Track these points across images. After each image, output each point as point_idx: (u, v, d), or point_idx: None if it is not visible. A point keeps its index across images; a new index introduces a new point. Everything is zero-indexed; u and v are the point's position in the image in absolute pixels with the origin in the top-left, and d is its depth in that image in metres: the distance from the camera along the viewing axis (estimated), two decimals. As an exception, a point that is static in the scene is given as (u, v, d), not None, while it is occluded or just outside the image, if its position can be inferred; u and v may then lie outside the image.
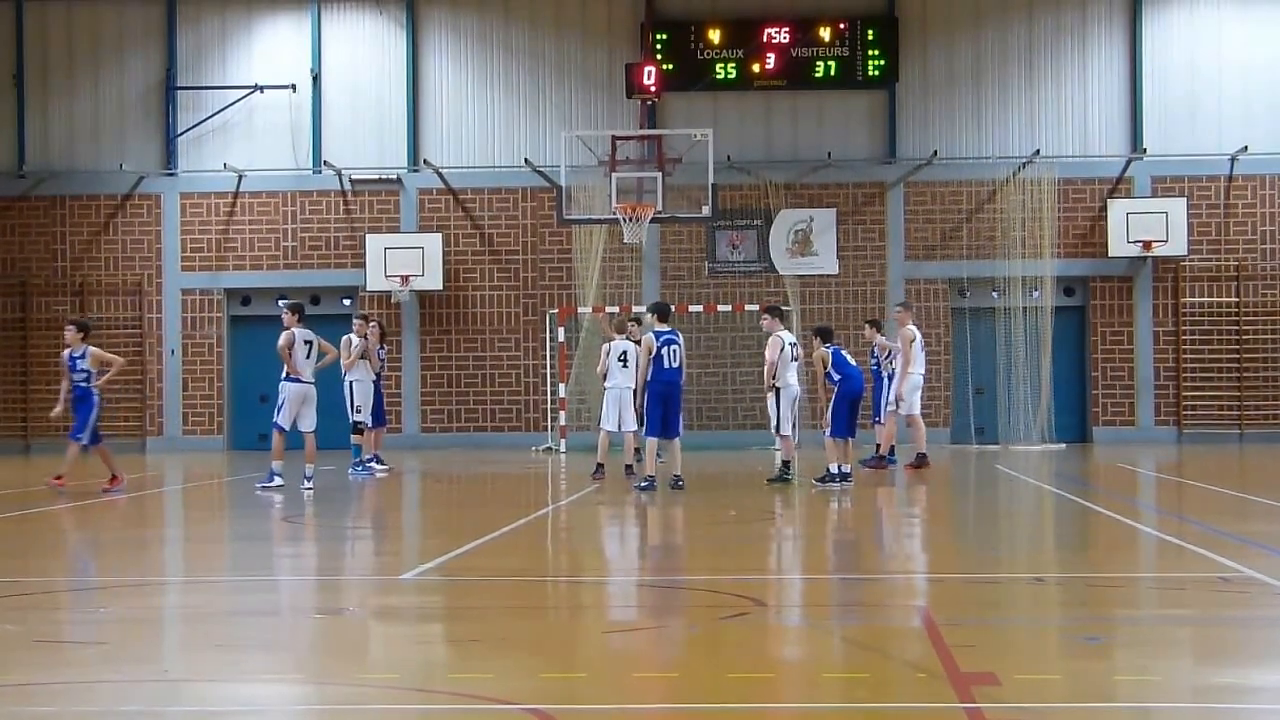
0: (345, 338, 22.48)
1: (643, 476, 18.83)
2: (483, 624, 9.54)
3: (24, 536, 15.38)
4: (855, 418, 19.31)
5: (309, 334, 19.66)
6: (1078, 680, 7.64)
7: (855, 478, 19.55)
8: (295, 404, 19.39)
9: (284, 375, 19.52)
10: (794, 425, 19.54)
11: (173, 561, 13.59)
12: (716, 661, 8.21)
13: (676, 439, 19.04)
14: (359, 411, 22.31)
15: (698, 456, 26.22)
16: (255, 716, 7.27)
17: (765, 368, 19.33)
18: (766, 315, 19.78)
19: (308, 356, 19.53)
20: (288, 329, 19.49)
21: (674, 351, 18.73)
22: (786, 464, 19.33)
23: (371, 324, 22.92)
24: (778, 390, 19.20)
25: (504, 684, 7.59)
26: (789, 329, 20.06)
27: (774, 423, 19.43)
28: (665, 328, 18.92)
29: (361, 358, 22.37)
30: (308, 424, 19.50)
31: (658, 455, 23.52)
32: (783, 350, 19.11)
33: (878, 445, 22.66)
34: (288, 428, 19.41)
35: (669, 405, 18.75)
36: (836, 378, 19.13)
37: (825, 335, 19.81)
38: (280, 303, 21.74)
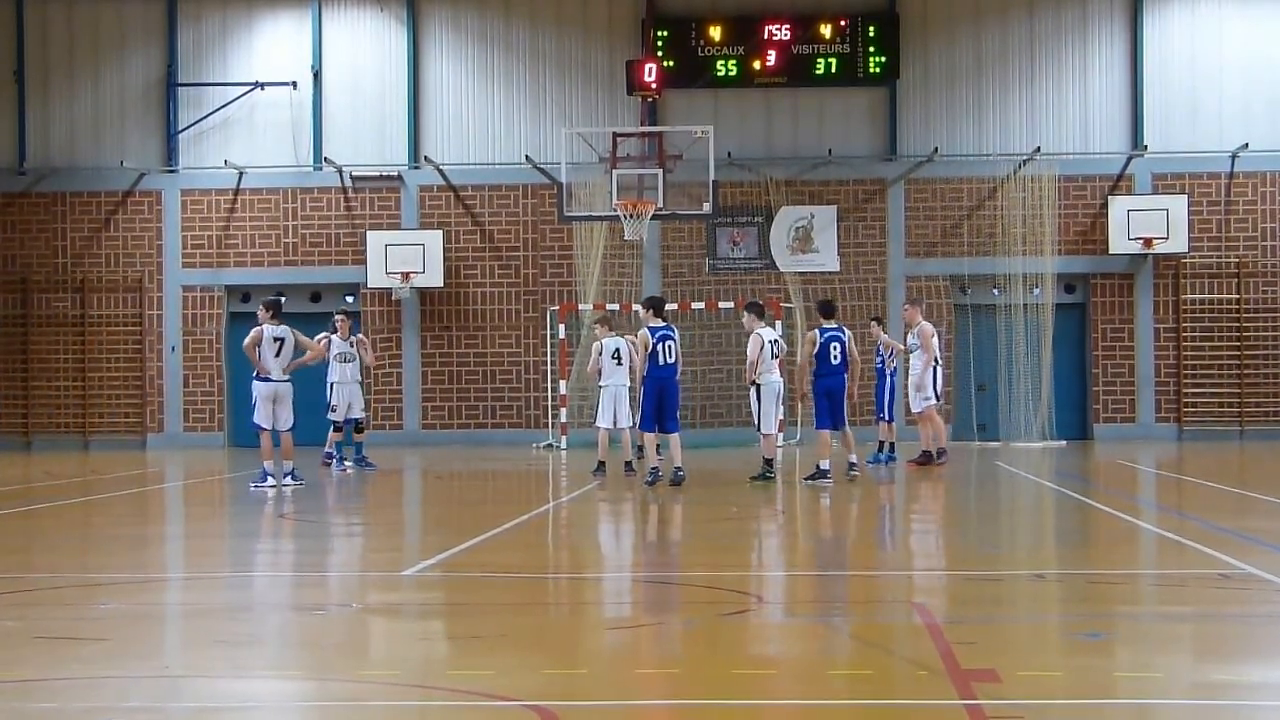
0: (324, 336, 22.56)
1: (646, 471, 18.85)
2: (483, 620, 9.54)
3: (25, 533, 15.39)
4: (838, 410, 19.22)
5: (280, 331, 19.34)
6: (1079, 677, 7.65)
7: (861, 474, 19.53)
8: (266, 402, 19.26)
9: (254, 374, 19.51)
10: (777, 421, 19.48)
11: (173, 558, 13.60)
12: (718, 657, 8.22)
13: (676, 434, 19.02)
14: (333, 411, 22.48)
15: (700, 454, 26.21)
16: (256, 713, 7.27)
17: (746, 366, 19.44)
18: (746, 313, 19.80)
19: (276, 355, 19.28)
20: (258, 326, 19.44)
21: (670, 347, 18.71)
22: (769, 462, 19.29)
23: (335, 320, 23.14)
24: (758, 387, 19.22)
25: (505, 680, 7.59)
26: (770, 325, 20.05)
27: (756, 420, 19.47)
28: (660, 323, 18.88)
29: (344, 361, 22.50)
30: (283, 422, 19.38)
31: (657, 450, 23.57)
32: (763, 348, 19.10)
33: (888, 444, 22.63)
34: (267, 426, 19.34)
35: (664, 400, 18.71)
36: (812, 367, 19.15)
37: (826, 312, 19.66)
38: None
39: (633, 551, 13.96)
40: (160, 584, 11.69)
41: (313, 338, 20.78)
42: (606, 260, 29.89)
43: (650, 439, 18.93)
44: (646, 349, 18.66)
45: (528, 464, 24.73)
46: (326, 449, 22.93)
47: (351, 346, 22.93)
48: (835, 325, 19.45)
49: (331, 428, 22.83)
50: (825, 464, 18.82)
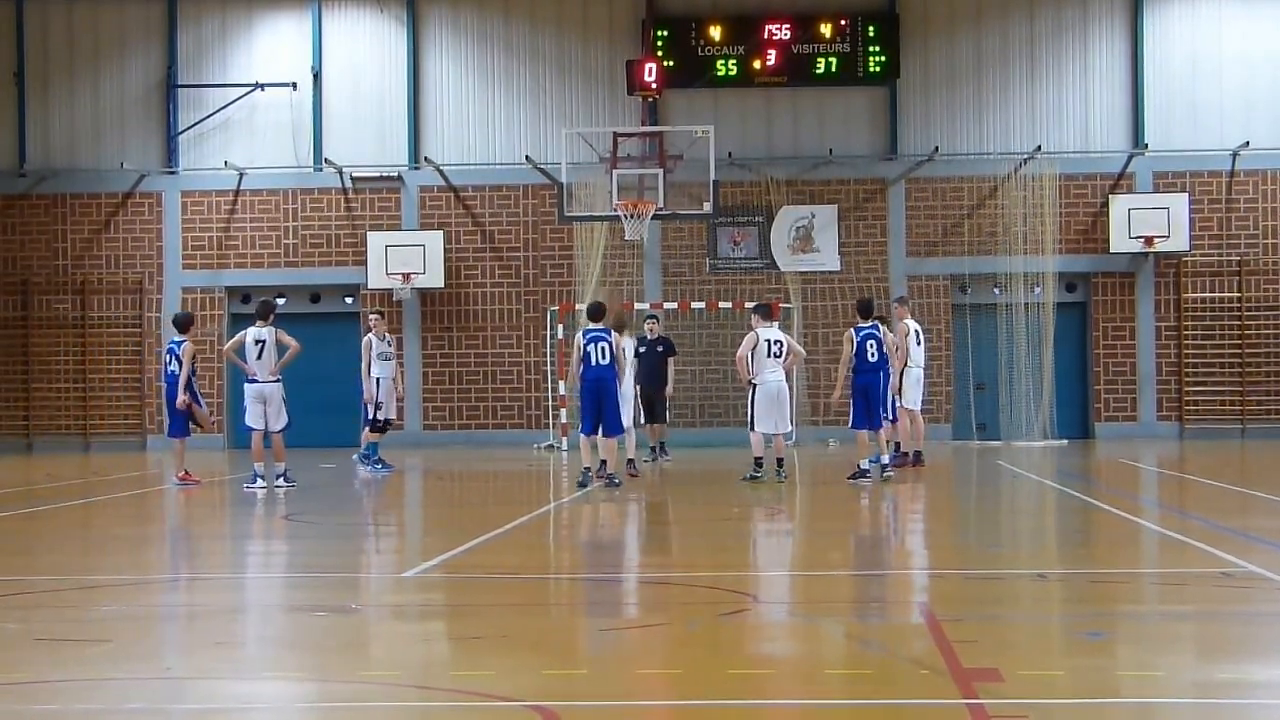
0: (366, 339, 22.68)
1: (579, 470, 18.88)
2: (484, 621, 9.54)
3: (26, 535, 15.38)
4: (876, 409, 19.18)
5: (261, 333, 19.46)
6: (1081, 676, 7.64)
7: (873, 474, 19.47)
8: (255, 404, 19.42)
9: (244, 377, 19.68)
10: (775, 422, 19.29)
11: (174, 559, 13.59)
12: (718, 658, 8.21)
13: (615, 438, 18.81)
14: (379, 409, 22.45)
15: (700, 454, 26.24)
16: (257, 714, 7.27)
17: (737, 363, 19.43)
18: (753, 314, 19.78)
19: (259, 356, 19.38)
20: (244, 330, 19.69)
21: (602, 349, 18.52)
22: (758, 461, 19.21)
23: (371, 319, 23.26)
24: (754, 387, 19.18)
25: (506, 681, 7.59)
26: (774, 326, 20.01)
27: (749, 419, 19.40)
28: (596, 326, 18.71)
29: (385, 359, 22.51)
30: (274, 423, 19.47)
31: (660, 451, 23.54)
32: (756, 347, 19.03)
33: (892, 444, 22.48)
34: (258, 427, 19.46)
35: (600, 401, 18.48)
36: (852, 366, 19.06)
37: (864, 311, 19.66)
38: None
39: (633, 552, 13.95)
40: (161, 586, 11.68)
41: (302, 339, 20.65)
42: (607, 260, 29.87)
43: (585, 443, 18.86)
44: (579, 351, 18.55)
45: (528, 465, 24.72)
46: (364, 450, 22.88)
47: (390, 345, 22.99)
48: (871, 323, 19.38)
49: (368, 427, 22.74)
50: (865, 464, 18.83)
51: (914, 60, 30.31)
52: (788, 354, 19.31)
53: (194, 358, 20.36)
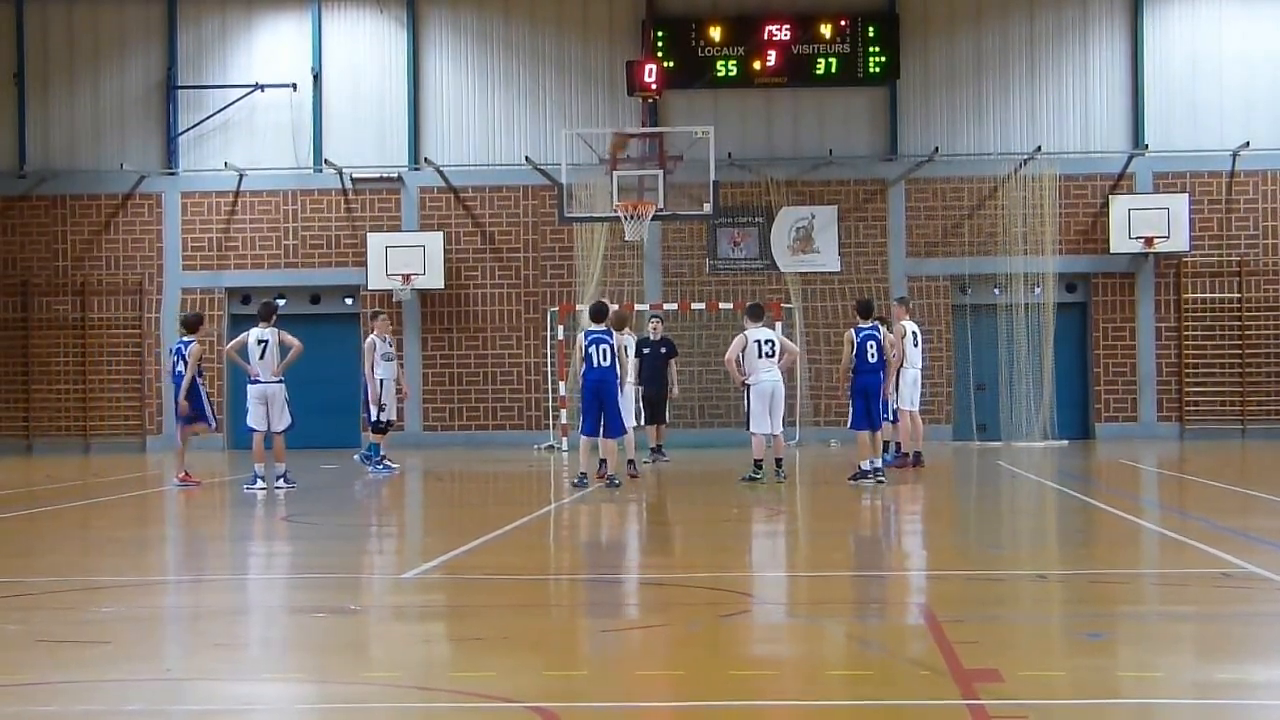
0: (369, 340, 22.57)
1: (576, 474, 18.87)
2: (485, 622, 9.53)
3: (26, 536, 15.38)
4: (876, 409, 19.15)
5: (265, 333, 19.49)
6: (1081, 677, 7.64)
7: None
8: (257, 404, 19.47)
9: (247, 378, 19.77)
10: (771, 421, 19.25)
11: (173, 561, 13.59)
12: (718, 659, 8.21)
13: (616, 439, 18.75)
14: (382, 410, 22.39)
15: (700, 454, 26.24)
16: (257, 715, 7.27)
17: (727, 364, 19.44)
18: (745, 315, 19.77)
19: (261, 357, 19.41)
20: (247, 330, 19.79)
21: (604, 351, 18.44)
22: (757, 462, 19.18)
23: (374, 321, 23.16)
24: (749, 387, 19.17)
25: (506, 682, 7.59)
26: (769, 326, 19.95)
27: (745, 419, 19.39)
28: (598, 327, 18.64)
29: (388, 360, 22.45)
30: (277, 424, 19.52)
31: (658, 453, 23.50)
32: (746, 348, 19.02)
33: (893, 443, 22.45)
34: (260, 428, 19.52)
35: (601, 402, 18.41)
36: (852, 366, 19.04)
37: (864, 311, 19.63)
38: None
39: (633, 553, 13.95)
40: (161, 587, 11.68)
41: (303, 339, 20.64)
42: (607, 261, 29.87)
43: (585, 445, 18.82)
44: (580, 353, 18.52)
45: (529, 465, 24.72)
46: (365, 451, 22.86)
47: (391, 345, 22.96)
48: (871, 324, 19.35)
49: (372, 429, 22.70)
50: (866, 464, 18.79)
51: (914, 61, 30.31)
52: (782, 353, 19.28)
53: (200, 360, 20.32)
